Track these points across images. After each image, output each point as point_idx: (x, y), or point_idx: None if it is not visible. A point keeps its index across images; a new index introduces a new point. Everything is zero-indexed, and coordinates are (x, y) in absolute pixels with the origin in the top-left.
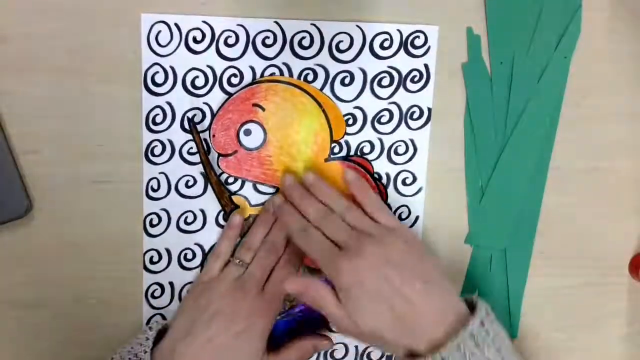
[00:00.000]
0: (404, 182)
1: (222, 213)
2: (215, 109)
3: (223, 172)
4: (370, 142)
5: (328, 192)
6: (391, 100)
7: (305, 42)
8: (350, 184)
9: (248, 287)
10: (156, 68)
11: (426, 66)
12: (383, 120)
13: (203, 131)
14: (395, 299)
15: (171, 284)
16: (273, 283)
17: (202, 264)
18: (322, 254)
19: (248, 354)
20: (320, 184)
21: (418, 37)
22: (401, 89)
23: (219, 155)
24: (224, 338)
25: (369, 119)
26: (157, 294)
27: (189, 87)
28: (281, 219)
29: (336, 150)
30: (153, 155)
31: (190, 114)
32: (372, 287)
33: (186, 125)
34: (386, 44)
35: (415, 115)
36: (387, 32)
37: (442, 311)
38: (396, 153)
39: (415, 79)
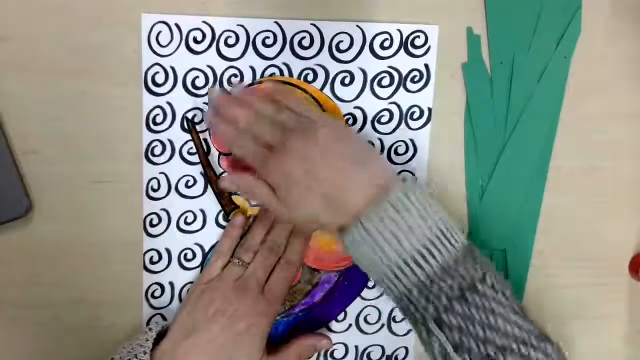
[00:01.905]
0: None
1: (222, 213)
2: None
3: (224, 172)
4: (370, 142)
5: (256, 99)
6: (391, 100)
7: (305, 42)
8: (272, 92)
9: (248, 287)
10: (156, 68)
11: (426, 66)
12: (383, 120)
13: (202, 131)
14: (320, 184)
15: (171, 284)
16: (273, 283)
17: (202, 264)
18: (256, 158)
19: (248, 354)
20: (246, 92)
21: (418, 37)
22: (401, 89)
23: (220, 154)
24: (224, 338)
25: (369, 119)
26: (157, 294)
27: (190, 87)
28: (215, 132)
29: None
30: (153, 155)
31: (190, 114)
32: (298, 178)
33: (186, 125)
34: (386, 43)
35: (416, 115)
36: (387, 32)
37: (367, 185)
38: (396, 153)
39: (416, 79)
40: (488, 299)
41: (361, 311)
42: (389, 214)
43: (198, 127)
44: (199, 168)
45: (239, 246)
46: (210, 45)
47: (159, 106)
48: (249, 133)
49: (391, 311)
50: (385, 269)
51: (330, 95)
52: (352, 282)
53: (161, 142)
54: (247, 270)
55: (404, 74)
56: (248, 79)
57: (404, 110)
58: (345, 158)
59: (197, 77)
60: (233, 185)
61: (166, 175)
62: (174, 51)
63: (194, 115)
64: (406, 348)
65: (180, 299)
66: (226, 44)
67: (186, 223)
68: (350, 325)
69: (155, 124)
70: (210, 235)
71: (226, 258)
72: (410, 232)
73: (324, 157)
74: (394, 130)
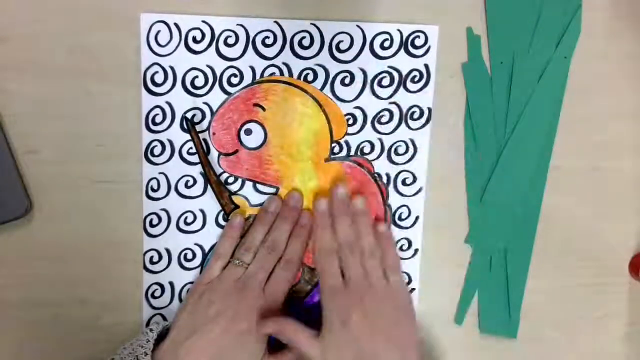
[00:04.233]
0: (404, 182)
1: (222, 213)
2: (215, 109)
3: (224, 172)
4: (370, 142)
5: (363, 221)
6: (391, 100)
7: (305, 42)
8: (380, 233)
9: (249, 287)
10: (156, 68)
11: (426, 66)
12: (383, 120)
13: (202, 131)
14: (363, 353)
15: (171, 284)
16: (274, 283)
17: (202, 264)
18: (330, 281)
19: (249, 354)
20: (359, 204)
21: (418, 37)
22: (401, 89)
23: (220, 154)
24: (225, 339)
25: (369, 119)
26: (157, 294)
27: (189, 87)
28: (316, 229)
29: (336, 150)
30: (153, 155)
31: (189, 114)
32: (348, 337)
33: (185, 125)
34: (386, 44)
35: (416, 115)
36: (387, 32)
37: None
38: (396, 153)
39: (416, 79)
40: None
41: None
42: None
43: (197, 127)
44: (198, 168)
45: (238, 246)
46: (209, 45)
47: (158, 106)
48: (338, 256)
49: None
50: None
51: (330, 95)
52: None
53: (161, 142)
54: (248, 270)
55: (404, 74)
56: (248, 78)
57: (404, 110)
58: (398, 347)
59: (197, 76)
60: (273, 329)
61: (166, 176)
62: (173, 51)
63: (194, 115)
64: None
65: (180, 299)
66: (226, 44)
67: (186, 223)
68: None
69: (154, 124)
70: (210, 235)
71: (226, 259)
72: None
73: (377, 335)
74: (394, 130)
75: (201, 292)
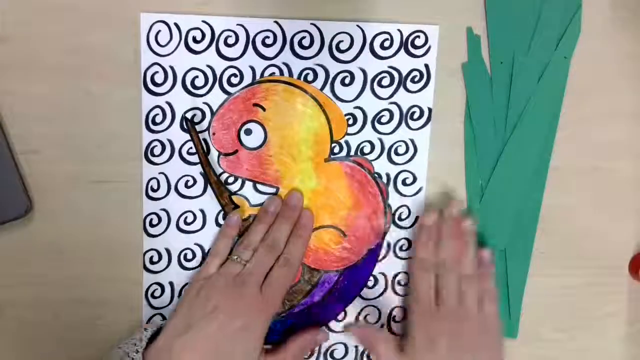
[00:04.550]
0: (404, 182)
1: (222, 213)
2: (215, 109)
3: (224, 172)
4: (370, 142)
5: (470, 242)
6: (391, 100)
7: (305, 42)
8: (483, 259)
9: (247, 284)
10: (156, 68)
11: (426, 66)
12: (383, 120)
13: (202, 131)
14: None
15: (171, 284)
16: (272, 281)
17: (202, 264)
18: (423, 298)
19: (245, 352)
20: (470, 225)
21: (418, 37)
22: (401, 89)
23: (220, 154)
24: (222, 335)
25: (369, 119)
26: (157, 294)
27: (189, 87)
28: (419, 243)
29: (336, 150)
30: (153, 155)
31: (189, 114)
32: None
33: (185, 125)
34: (386, 43)
35: (416, 116)
36: (387, 32)
37: None
38: (396, 153)
39: (416, 79)
40: None
41: (361, 311)
42: None
43: (197, 127)
44: (198, 168)
45: (237, 244)
46: (209, 45)
47: (158, 106)
48: (435, 273)
49: (391, 311)
50: None
51: (330, 95)
52: (352, 282)
53: (161, 142)
54: (246, 267)
55: (404, 74)
56: (248, 78)
57: (404, 111)
58: None
59: (197, 76)
60: (357, 334)
61: (166, 176)
62: (173, 51)
63: (194, 115)
64: None
65: None
66: (226, 44)
67: (186, 223)
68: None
69: (154, 123)
70: (210, 235)
71: (223, 257)
72: None
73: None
74: (394, 131)
75: (199, 287)
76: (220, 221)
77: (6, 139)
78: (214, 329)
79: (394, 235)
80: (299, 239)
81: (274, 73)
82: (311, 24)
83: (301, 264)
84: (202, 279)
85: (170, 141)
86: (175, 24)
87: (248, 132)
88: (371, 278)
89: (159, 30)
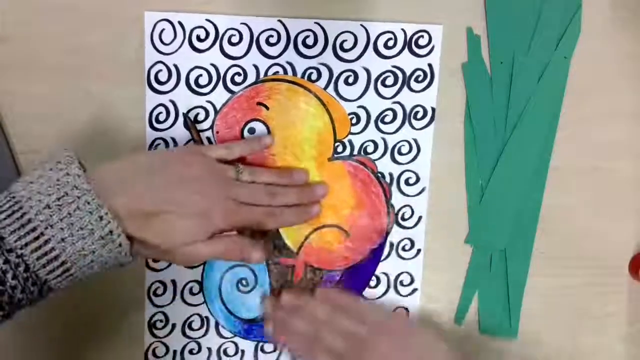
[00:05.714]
0: (407, 182)
1: None
2: (218, 107)
3: None
4: (373, 141)
5: (314, 306)
6: (395, 99)
7: (309, 41)
8: (334, 298)
9: (234, 190)
10: (159, 66)
11: (430, 66)
12: (387, 119)
13: (206, 130)
14: None
15: (173, 282)
16: (248, 210)
17: (204, 263)
18: None
19: (192, 225)
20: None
21: (422, 36)
22: (405, 88)
23: None
24: (172, 177)
25: (373, 118)
26: (159, 291)
27: (193, 86)
28: (291, 324)
29: (340, 149)
30: None
31: (192, 113)
32: None
33: (188, 123)
34: (390, 43)
35: (419, 115)
36: (391, 32)
37: None
38: (400, 153)
39: (419, 79)
40: None
41: None
42: None
43: (201, 126)
44: None
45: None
46: (213, 44)
47: (162, 104)
48: (320, 343)
49: (393, 311)
50: None
51: (334, 94)
52: (354, 281)
53: (164, 140)
54: (239, 184)
55: (407, 73)
56: (252, 77)
57: (408, 110)
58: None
59: (200, 75)
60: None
61: None
62: (177, 49)
63: (197, 115)
64: None
65: (182, 297)
66: (230, 43)
67: None
68: None
69: (158, 122)
70: None
71: (228, 155)
72: None
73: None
74: (397, 130)
75: (192, 151)
76: None
77: (6, 139)
78: (169, 173)
79: (396, 235)
80: (300, 214)
81: (277, 72)
82: (315, 23)
83: (302, 263)
84: (199, 152)
85: (173, 139)
86: (179, 23)
87: (251, 130)
88: (373, 278)
89: (163, 29)
